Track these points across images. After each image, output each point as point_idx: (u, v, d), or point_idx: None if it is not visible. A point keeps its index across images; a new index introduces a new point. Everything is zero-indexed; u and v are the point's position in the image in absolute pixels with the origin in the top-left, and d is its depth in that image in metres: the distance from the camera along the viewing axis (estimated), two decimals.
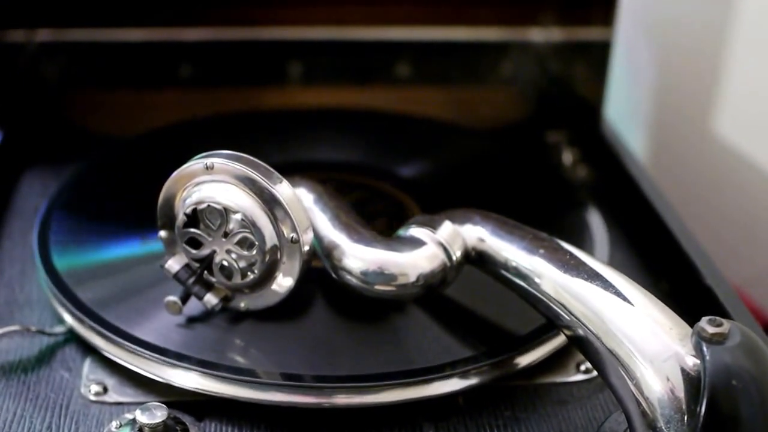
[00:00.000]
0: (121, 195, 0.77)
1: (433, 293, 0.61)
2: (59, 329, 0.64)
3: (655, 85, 1.04)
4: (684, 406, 0.47)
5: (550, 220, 0.71)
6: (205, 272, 0.62)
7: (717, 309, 0.64)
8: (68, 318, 0.63)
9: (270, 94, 0.99)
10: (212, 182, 0.59)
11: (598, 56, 0.90)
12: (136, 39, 0.97)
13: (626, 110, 1.07)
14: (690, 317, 0.51)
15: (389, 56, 1.01)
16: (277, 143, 0.84)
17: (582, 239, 0.72)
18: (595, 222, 0.75)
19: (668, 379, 0.48)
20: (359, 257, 0.60)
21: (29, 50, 0.92)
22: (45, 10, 0.93)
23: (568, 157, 0.89)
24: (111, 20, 0.96)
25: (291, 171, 0.62)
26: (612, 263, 0.58)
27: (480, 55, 1.00)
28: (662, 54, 1.01)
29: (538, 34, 1.00)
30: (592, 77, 0.91)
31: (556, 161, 0.89)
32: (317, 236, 0.62)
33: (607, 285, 0.54)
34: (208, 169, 0.59)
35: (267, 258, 0.60)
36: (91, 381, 0.61)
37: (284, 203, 0.59)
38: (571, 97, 0.96)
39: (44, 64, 0.95)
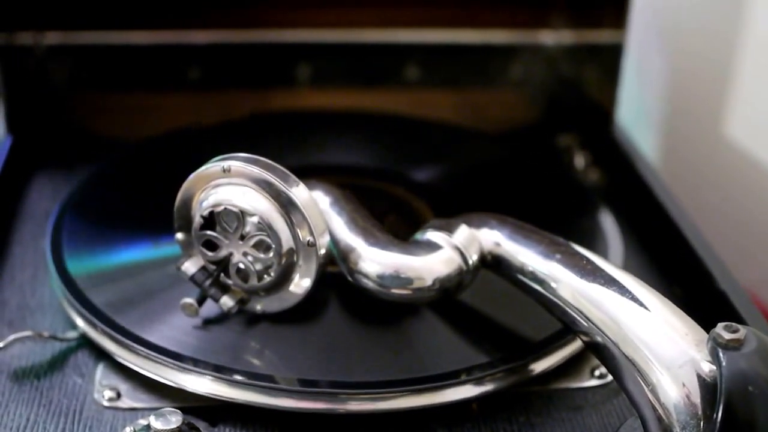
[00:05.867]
0: (133, 198, 0.77)
1: (449, 297, 0.61)
2: (72, 334, 0.64)
3: (666, 88, 1.03)
4: (700, 412, 0.47)
5: (562, 223, 0.71)
6: (222, 274, 0.62)
7: (731, 314, 0.64)
8: (81, 322, 0.63)
9: (278, 96, 0.99)
10: (229, 185, 0.60)
11: (609, 59, 0.89)
12: (144, 42, 0.97)
13: (638, 113, 1.07)
14: (704, 322, 0.51)
15: (398, 59, 1.01)
16: (289, 146, 0.83)
17: (595, 243, 0.72)
18: (609, 226, 0.75)
19: (684, 385, 0.48)
20: (375, 261, 0.60)
21: (37, 53, 0.92)
22: (53, 13, 0.93)
23: (579, 160, 0.89)
24: (119, 23, 0.96)
25: (303, 174, 0.62)
26: (625, 268, 0.58)
27: (490, 58, 1.00)
28: (674, 57, 1.01)
29: (548, 37, 0.99)
30: (604, 80, 0.91)
31: (567, 165, 0.89)
32: (333, 240, 0.62)
33: (623, 290, 0.53)
34: (226, 171, 0.59)
35: (283, 261, 0.60)
36: (104, 386, 0.60)
37: (301, 206, 0.59)
38: (583, 100, 0.95)
39: (53, 67, 0.94)
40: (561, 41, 0.99)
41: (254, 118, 0.91)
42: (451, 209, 0.67)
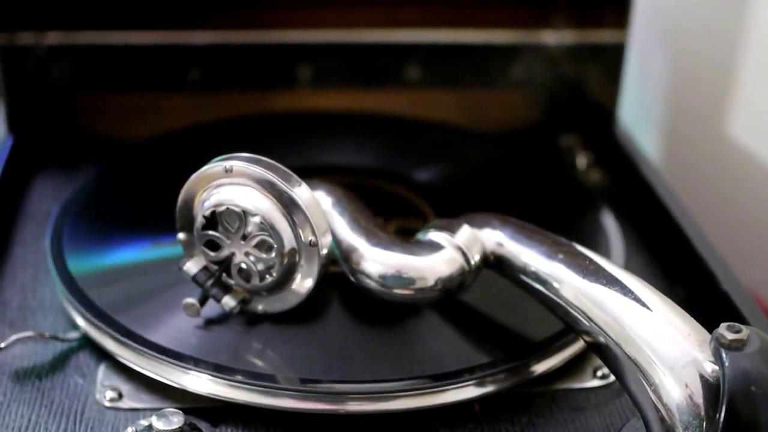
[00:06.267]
0: (133, 198, 0.77)
1: (451, 297, 0.61)
2: (73, 335, 0.64)
3: (668, 88, 1.03)
4: (702, 413, 0.47)
5: (564, 224, 0.71)
6: (224, 275, 0.61)
7: (734, 314, 0.64)
8: (82, 323, 0.63)
9: (279, 97, 0.99)
10: (231, 185, 0.59)
11: (611, 59, 0.89)
12: (145, 42, 0.97)
13: (640, 113, 1.06)
14: (706, 322, 0.51)
15: (399, 59, 1.00)
16: (290, 146, 0.83)
17: (597, 244, 0.72)
18: (611, 226, 0.75)
19: (687, 386, 0.47)
20: (378, 261, 0.60)
21: (38, 53, 0.92)
22: (54, 13, 0.93)
23: (581, 160, 0.89)
24: (120, 23, 0.96)
25: (305, 174, 0.62)
26: (627, 268, 0.58)
27: (491, 58, 1.00)
28: (676, 57, 1.01)
29: (550, 37, 0.99)
30: (606, 80, 0.91)
31: (569, 165, 0.89)
32: (336, 240, 0.62)
33: (626, 291, 0.53)
34: (228, 171, 0.59)
35: (285, 261, 0.60)
36: (105, 387, 0.60)
37: (303, 206, 0.59)
38: (585, 100, 0.95)
39: (53, 68, 0.94)
40: (563, 41, 0.99)
41: (255, 119, 0.91)
42: (453, 209, 0.67)
